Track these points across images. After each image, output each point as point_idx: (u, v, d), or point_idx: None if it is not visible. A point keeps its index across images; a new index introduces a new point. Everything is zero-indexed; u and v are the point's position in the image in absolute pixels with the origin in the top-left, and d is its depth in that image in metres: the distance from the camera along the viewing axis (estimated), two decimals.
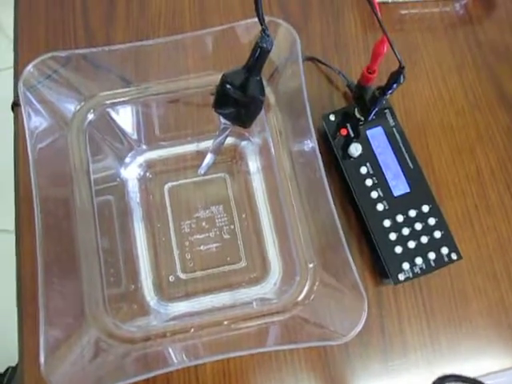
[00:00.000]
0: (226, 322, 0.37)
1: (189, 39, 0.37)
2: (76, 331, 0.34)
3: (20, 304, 0.43)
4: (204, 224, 0.50)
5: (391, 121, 0.51)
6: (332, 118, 0.51)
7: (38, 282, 0.36)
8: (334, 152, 0.50)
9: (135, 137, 0.48)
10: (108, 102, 0.41)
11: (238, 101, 0.38)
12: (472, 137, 0.55)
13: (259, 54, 0.34)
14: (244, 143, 0.51)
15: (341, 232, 0.35)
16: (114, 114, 0.43)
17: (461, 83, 0.58)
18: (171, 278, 0.49)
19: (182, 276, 0.49)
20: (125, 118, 0.44)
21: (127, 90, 0.41)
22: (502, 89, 0.57)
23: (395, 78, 0.39)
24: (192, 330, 0.37)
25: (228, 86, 0.37)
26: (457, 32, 0.60)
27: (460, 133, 0.55)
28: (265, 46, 0.33)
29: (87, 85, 0.39)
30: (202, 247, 0.49)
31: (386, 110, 0.51)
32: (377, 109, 0.45)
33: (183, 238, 0.50)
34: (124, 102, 0.41)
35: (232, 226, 0.50)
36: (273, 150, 0.44)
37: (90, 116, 0.41)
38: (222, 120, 0.42)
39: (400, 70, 0.38)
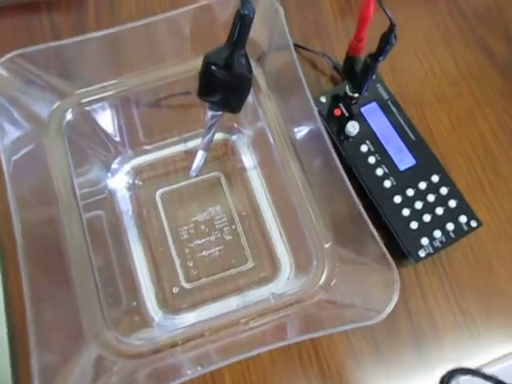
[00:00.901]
0: (243, 321, 0.34)
1: (162, 22, 0.34)
2: (74, 353, 0.30)
3: (11, 329, 0.39)
4: (203, 228, 0.47)
5: (384, 94, 0.48)
6: (323, 99, 0.48)
7: (27, 311, 0.32)
8: (331, 135, 0.48)
9: (118, 139, 0.45)
10: (85, 100, 0.37)
11: (225, 82, 0.35)
12: (469, 103, 0.53)
13: (241, 24, 0.32)
14: (235, 137, 0.48)
15: (357, 201, 0.32)
16: (94, 115, 0.39)
17: (450, 53, 0.56)
18: (175, 290, 0.45)
19: (187, 286, 0.45)
20: (105, 118, 0.41)
21: (103, 85, 0.38)
22: (491, 52, 0.56)
23: (387, 38, 0.37)
24: (206, 333, 0.33)
25: (212, 67, 0.35)
26: (438, 3, 0.58)
27: (456, 101, 0.53)
28: (246, 12, 0.31)
29: (61, 83, 0.36)
30: (204, 253, 0.46)
31: (378, 85, 0.49)
32: (370, 78, 0.43)
33: (183, 245, 0.46)
34: (102, 99, 0.38)
35: (233, 226, 0.46)
36: (271, 137, 0.41)
37: (69, 116, 0.37)
38: (210, 112, 0.39)
39: (391, 28, 0.36)
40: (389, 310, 0.30)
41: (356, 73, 0.43)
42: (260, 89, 0.42)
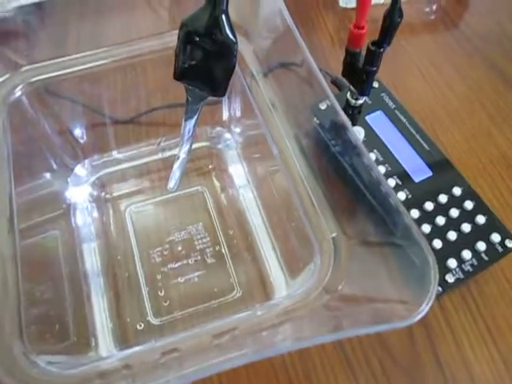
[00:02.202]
0: (216, 342, 0.24)
1: None
2: None
3: None
4: (180, 249, 0.38)
5: (391, 103, 0.43)
6: (322, 106, 0.43)
7: None
8: (329, 148, 0.41)
9: (84, 140, 0.38)
10: (40, 76, 0.31)
11: (208, 53, 0.29)
12: (484, 120, 0.48)
13: None
14: (221, 145, 0.42)
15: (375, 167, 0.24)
16: (53, 101, 0.33)
17: (456, 71, 0.52)
18: (140, 326, 0.35)
19: (155, 321, 0.36)
20: (70, 110, 0.35)
21: (65, 59, 0.32)
22: (501, 71, 0.52)
23: (392, 14, 0.32)
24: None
25: (194, 37, 0.29)
26: (437, 26, 0.56)
27: (470, 118, 0.48)
28: None
29: (14, 51, 0.30)
30: (179, 279, 0.37)
31: (383, 94, 0.44)
32: (374, 73, 0.38)
33: (154, 269, 0.37)
34: (61, 77, 0.32)
35: (217, 247, 0.38)
36: (266, 128, 0.34)
37: (18, 93, 0.30)
38: (189, 98, 0.33)
39: (394, 4, 0.31)
40: (429, 302, 0.21)
41: (358, 70, 0.38)
42: (245, 63, 0.36)
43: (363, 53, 0.37)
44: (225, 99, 0.39)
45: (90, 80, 0.40)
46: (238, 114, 0.39)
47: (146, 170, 0.42)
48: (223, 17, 0.29)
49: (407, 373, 0.35)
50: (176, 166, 0.37)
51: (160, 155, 0.42)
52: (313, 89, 0.29)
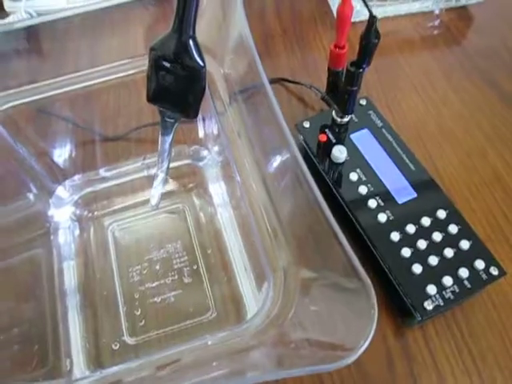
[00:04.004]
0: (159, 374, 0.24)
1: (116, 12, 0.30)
2: None
3: None
4: (158, 268, 0.38)
5: (378, 122, 0.42)
6: (306, 124, 0.42)
7: None
8: (315, 165, 0.41)
9: (66, 157, 0.38)
10: (14, 102, 0.32)
11: (176, 76, 0.30)
12: (478, 138, 0.46)
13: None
14: (202, 164, 0.42)
15: (324, 206, 0.23)
16: (32, 121, 0.34)
17: (452, 88, 0.51)
18: (115, 346, 0.35)
19: (130, 341, 0.36)
20: (51, 129, 0.36)
21: (37, 85, 0.32)
22: (500, 89, 0.50)
23: (367, 35, 0.32)
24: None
25: (163, 62, 0.29)
26: (437, 42, 0.55)
27: (464, 136, 0.47)
28: None
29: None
30: (155, 299, 0.37)
31: (370, 112, 0.43)
32: (356, 92, 0.37)
33: (132, 288, 0.38)
34: (34, 102, 0.32)
35: (194, 267, 0.38)
36: (231, 153, 0.34)
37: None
38: (164, 119, 0.33)
39: (371, 22, 0.30)
40: (361, 348, 0.20)
41: (340, 89, 0.38)
42: (218, 93, 0.36)
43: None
44: (199, 118, 0.39)
45: (80, 99, 0.41)
46: (215, 132, 0.39)
47: (130, 188, 0.42)
48: (191, 42, 0.29)
49: None
50: (156, 184, 0.37)
51: (145, 173, 0.43)
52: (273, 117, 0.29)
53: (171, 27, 0.28)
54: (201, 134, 0.41)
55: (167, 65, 0.29)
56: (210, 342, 0.28)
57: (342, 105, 0.39)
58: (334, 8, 0.57)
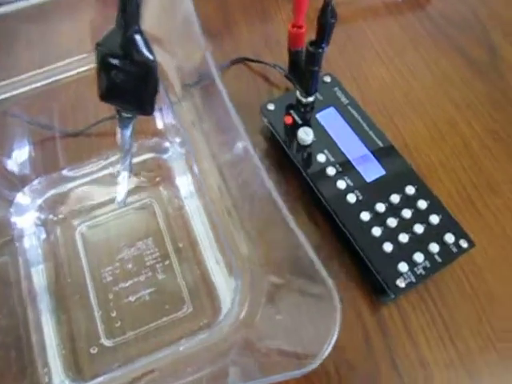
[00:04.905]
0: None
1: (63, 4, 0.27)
2: None
3: None
4: (130, 266, 0.38)
5: (344, 98, 0.41)
6: (271, 107, 0.41)
7: None
8: (282, 146, 0.40)
9: (23, 168, 0.37)
10: None
11: (126, 73, 0.28)
12: (448, 109, 0.46)
13: None
14: (167, 156, 0.41)
15: (281, 204, 0.23)
16: None
17: (419, 57, 0.50)
18: (93, 350, 0.35)
19: (108, 343, 0.35)
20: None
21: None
22: (468, 56, 0.49)
23: (324, 16, 0.30)
24: None
25: (110, 59, 0.28)
26: (402, 11, 0.53)
27: (433, 107, 0.46)
28: None
29: None
30: (130, 298, 0.37)
31: (336, 88, 0.42)
32: (317, 72, 0.36)
33: (106, 290, 0.37)
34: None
35: (167, 262, 0.37)
36: (189, 146, 0.33)
37: None
38: (121, 116, 0.32)
39: (327, 1, 0.29)
40: (324, 354, 0.20)
41: (301, 69, 0.36)
42: (172, 86, 0.34)
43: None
44: (156, 109, 0.38)
45: (35, 99, 0.39)
46: (175, 123, 0.37)
47: (96, 186, 0.41)
48: (137, 36, 0.27)
49: (364, 381, 0.34)
50: (120, 180, 0.36)
51: (110, 169, 0.41)
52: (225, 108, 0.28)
53: (115, 22, 0.27)
54: (160, 125, 0.39)
55: (115, 62, 0.28)
56: (181, 348, 0.27)
57: (304, 85, 0.38)
58: None
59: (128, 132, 0.33)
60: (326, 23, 0.31)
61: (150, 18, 0.28)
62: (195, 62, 0.30)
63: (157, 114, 0.39)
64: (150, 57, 0.28)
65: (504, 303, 0.36)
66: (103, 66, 0.28)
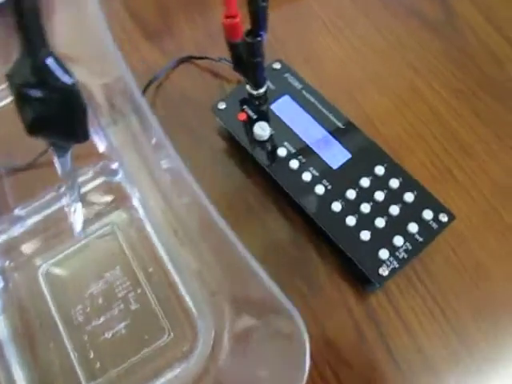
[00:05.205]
0: None
1: None
2: None
3: None
4: (101, 302, 0.35)
5: (297, 84, 0.39)
6: (222, 106, 0.39)
7: None
8: (244, 148, 0.37)
9: None
10: None
11: (47, 101, 0.25)
12: (408, 75, 0.44)
13: (24, 14, 0.22)
14: (117, 178, 0.38)
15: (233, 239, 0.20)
16: None
17: (372, 25, 0.47)
18: None
19: None
20: None
21: None
22: (423, 17, 0.47)
23: (253, 2, 0.28)
24: None
25: (23, 88, 0.25)
26: None
27: (392, 76, 0.44)
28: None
29: None
30: (106, 335, 0.34)
31: (287, 74, 0.39)
32: (262, 62, 0.33)
33: (79, 331, 0.34)
34: None
35: (139, 290, 0.35)
36: (127, 168, 0.30)
37: None
38: (53, 151, 0.29)
39: None
40: None
41: (244, 60, 0.34)
42: (100, 106, 0.31)
43: None
44: (93, 132, 0.35)
45: None
46: (116, 144, 0.34)
47: (53, 221, 0.38)
48: (49, 60, 0.24)
49: (363, 375, 0.33)
50: (73, 212, 0.34)
51: (64, 201, 0.38)
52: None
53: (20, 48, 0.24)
54: (101, 148, 0.36)
55: (32, 92, 0.25)
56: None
57: (251, 78, 0.35)
58: None
59: (67, 162, 0.30)
60: (257, 8, 0.28)
61: (61, 37, 0.25)
62: (118, 76, 0.27)
63: (96, 136, 0.36)
64: (68, 80, 0.25)
65: (491, 270, 0.35)
66: (20, 98, 0.25)
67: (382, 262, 0.31)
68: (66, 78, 0.25)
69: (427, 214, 0.32)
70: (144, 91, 0.45)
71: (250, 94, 0.38)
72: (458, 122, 0.41)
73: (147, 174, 0.28)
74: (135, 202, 0.37)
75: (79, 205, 0.33)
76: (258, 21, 0.29)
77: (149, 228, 0.36)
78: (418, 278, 0.35)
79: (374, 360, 0.33)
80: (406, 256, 0.32)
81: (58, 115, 0.26)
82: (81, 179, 0.36)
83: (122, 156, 0.29)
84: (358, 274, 0.33)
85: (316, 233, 0.36)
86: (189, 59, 0.47)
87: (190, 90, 0.45)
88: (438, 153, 0.40)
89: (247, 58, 0.33)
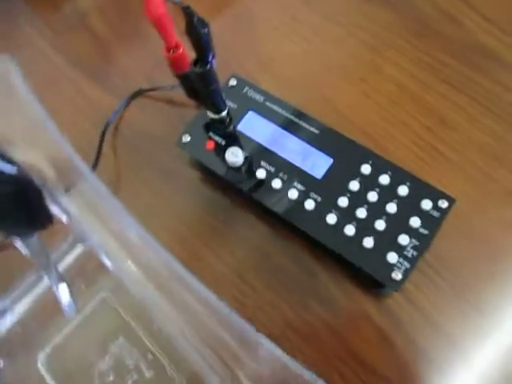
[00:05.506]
0: None
1: None
2: None
3: None
4: (112, 379, 0.33)
5: (258, 96, 0.36)
6: (187, 138, 0.36)
7: None
8: (223, 179, 0.35)
9: None
10: None
11: None
12: (368, 57, 0.42)
13: None
14: (89, 244, 0.35)
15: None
16: None
17: (318, 14, 0.45)
18: None
19: None
20: None
21: None
22: None
23: (192, 31, 0.25)
24: None
25: None
26: None
27: (352, 62, 0.42)
28: None
29: None
30: None
31: (246, 88, 0.37)
32: (218, 90, 0.31)
33: None
34: None
35: (149, 356, 0.33)
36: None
37: None
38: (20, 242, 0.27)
39: (188, 13, 0.24)
40: None
41: (198, 92, 0.31)
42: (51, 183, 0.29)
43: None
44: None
45: None
46: (76, 212, 0.32)
47: (40, 306, 0.35)
48: None
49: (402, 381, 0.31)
50: (58, 292, 0.31)
51: (45, 281, 0.36)
52: None
53: None
54: (64, 219, 0.34)
55: None
56: None
57: (210, 105, 0.33)
58: None
59: (34, 243, 0.28)
60: (199, 37, 0.26)
61: None
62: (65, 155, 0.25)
63: (55, 209, 0.33)
64: (12, 170, 0.22)
65: (504, 240, 0.33)
66: None
67: (392, 266, 0.30)
68: (8, 168, 0.22)
69: (426, 204, 0.31)
70: (101, 140, 0.42)
71: (213, 120, 0.36)
72: (429, 95, 0.39)
73: (110, 236, 0.25)
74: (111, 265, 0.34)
75: (63, 285, 0.31)
76: (204, 49, 0.27)
77: (133, 288, 0.33)
78: (431, 269, 0.33)
79: (407, 363, 0.31)
80: (414, 253, 0.30)
81: (13, 206, 0.24)
82: (55, 255, 0.34)
83: (83, 222, 0.27)
84: (370, 280, 0.31)
85: (317, 249, 0.34)
86: (140, 93, 0.44)
87: (149, 125, 0.43)
88: (419, 132, 0.38)
89: (200, 88, 0.30)
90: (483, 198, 0.35)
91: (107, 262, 0.33)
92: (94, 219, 0.28)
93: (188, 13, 0.24)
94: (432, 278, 0.33)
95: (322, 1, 0.45)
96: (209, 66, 0.28)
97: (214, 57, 0.28)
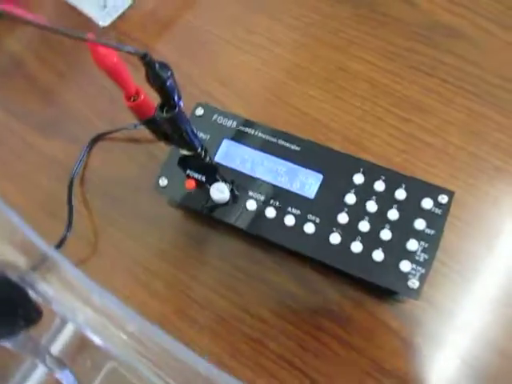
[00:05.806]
0: None
1: None
2: None
3: None
4: None
5: (230, 122, 0.34)
6: (164, 182, 0.34)
7: None
8: (213, 218, 0.33)
9: None
10: None
11: None
12: (333, 57, 0.40)
13: None
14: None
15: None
16: None
17: (270, 18, 0.42)
18: None
19: None
20: None
21: None
22: None
23: (155, 79, 0.23)
24: None
25: None
26: None
27: (315, 63, 0.40)
28: None
29: None
30: None
31: (215, 116, 0.35)
32: (190, 129, 0.29)
33: None
34: None
35: None
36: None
37: None
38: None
39: (147, 61, 0.22)
40: None
41: (167, 134, 0.29)
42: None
43: None
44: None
45: None
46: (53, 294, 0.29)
47: None
48: None
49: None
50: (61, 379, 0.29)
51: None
52: None
53: None
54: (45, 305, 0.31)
55: None
56: None
57: (183, 145, 0.31)
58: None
59: (21, 341, 0.25)
60: (162, 84, 0.23)
61: None
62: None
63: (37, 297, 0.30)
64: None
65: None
66: None
67: (407, 275, 0.29)
68: None
69: (426, 203, 0.30)
70: (69, 196, 0.39)
71: (188, 157, 0.33)
72: (400, 84, 0.38)
73: (93, 312, 0.23)
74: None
75: (66, 372, 0.28)
76: (169, 93, 0.24)
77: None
78: (445, 266, 0.32)
79: (441, 369, 0.31)
80: (426, 256, 0.29)
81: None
82: (45, 340, 0.31)
83: (63, 303, 0.25)
84: (380, 289, 0.30)
85: (333, 274, 0.32)
86: (101, 137, 0.41)
87: (118, 169, 0.40)
88: (397, 124, 0.37)
89: (170, 131, 0.28)
90: (477, 179, 0.34)
91: (95, 339, 0.30)
92: (74, 298, 0.25)
93: (147, 62, 0.21)
94: (446, 274, 0.32)
95: (271, 5, 0.43)
96: (177, 110, 0.26)
97: (180, 98, 0.26)
